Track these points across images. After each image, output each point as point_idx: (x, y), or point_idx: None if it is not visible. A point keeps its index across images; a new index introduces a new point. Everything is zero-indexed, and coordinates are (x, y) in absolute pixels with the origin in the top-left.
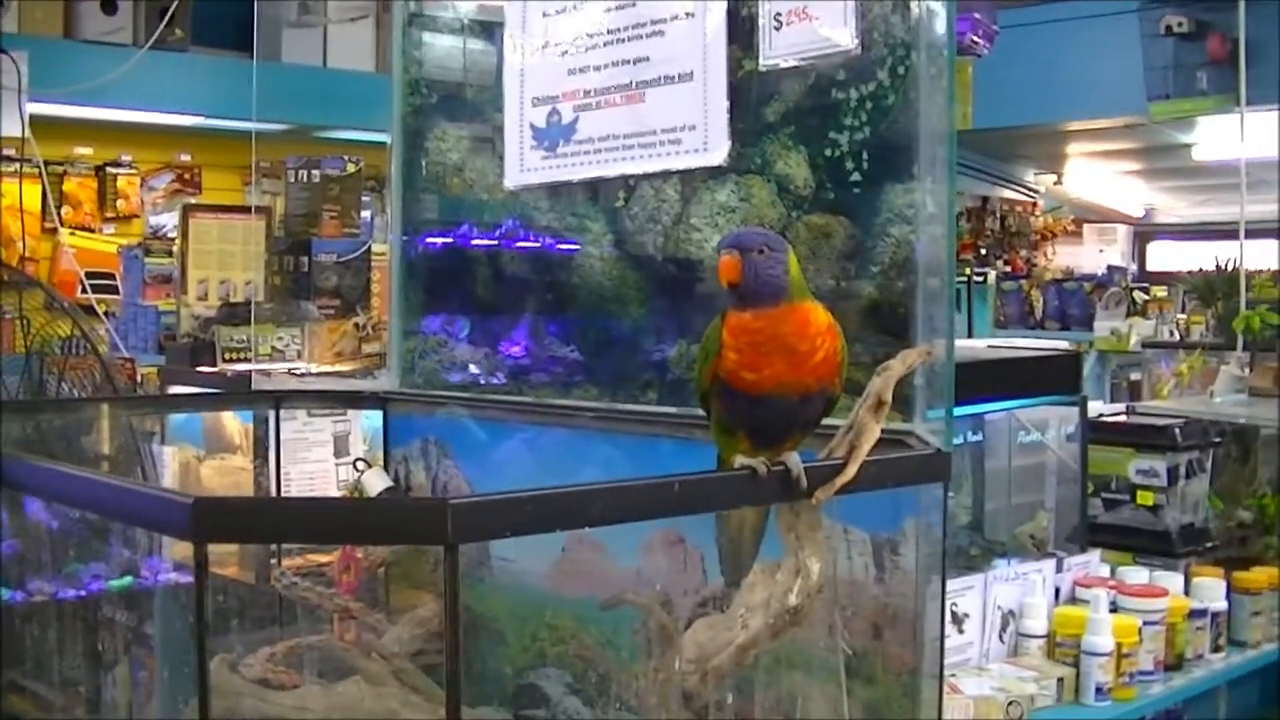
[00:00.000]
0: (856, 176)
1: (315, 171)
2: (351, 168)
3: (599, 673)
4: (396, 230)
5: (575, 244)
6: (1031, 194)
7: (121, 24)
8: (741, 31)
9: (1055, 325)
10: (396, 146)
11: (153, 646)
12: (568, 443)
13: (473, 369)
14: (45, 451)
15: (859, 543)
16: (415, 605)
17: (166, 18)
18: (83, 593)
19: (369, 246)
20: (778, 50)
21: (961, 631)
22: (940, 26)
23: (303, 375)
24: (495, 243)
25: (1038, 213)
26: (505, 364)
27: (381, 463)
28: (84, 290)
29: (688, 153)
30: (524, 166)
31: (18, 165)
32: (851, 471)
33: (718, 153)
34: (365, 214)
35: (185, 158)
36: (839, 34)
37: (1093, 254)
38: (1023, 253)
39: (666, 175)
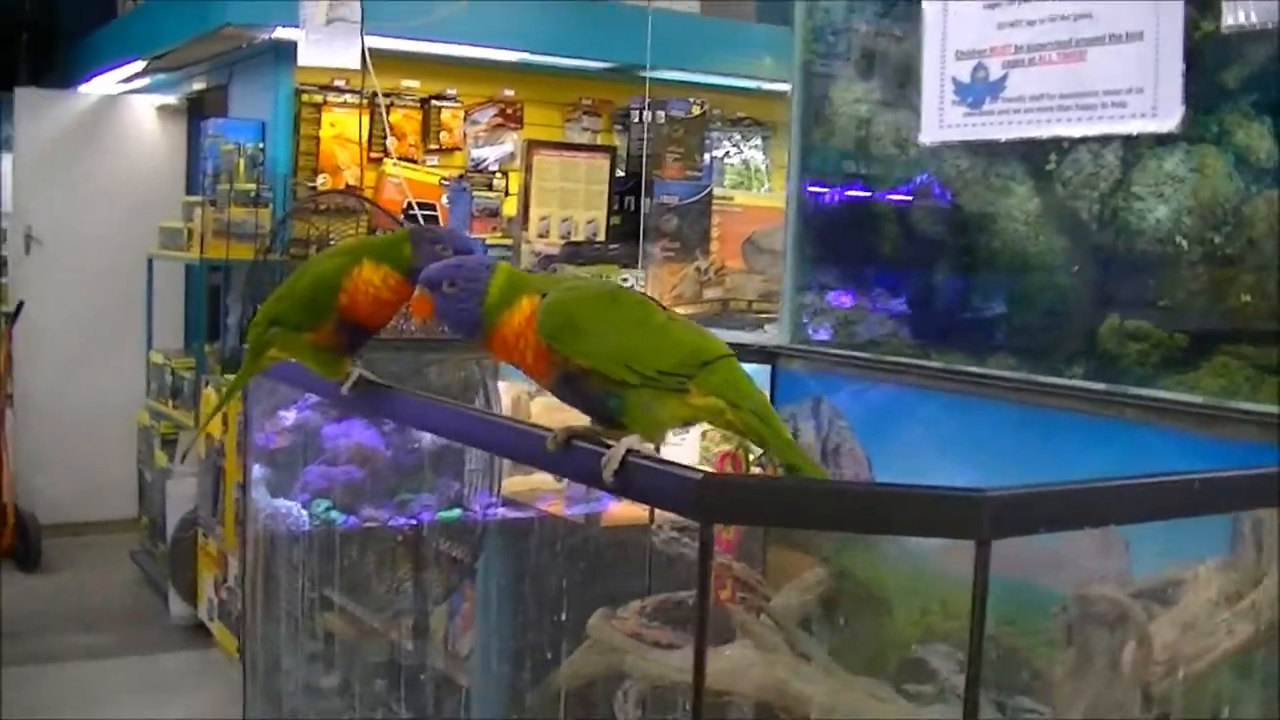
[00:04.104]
0: None
1: (660, 112)
2: (696, 110)
3: (998, 655)
4: (794, 182)
5: (995, 206)
6: None
7: None
8: None
9: None
10: (796, 96)
11: (474, 580)
12: (975, 413)
13: (872, 329)
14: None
15: None
16: (790, 567)
17: None
18: (413, 521)
19: (710, 190)
20: (1243, 12)
21: None
22: None
23: None
24: (904, 199)
25: None
26: (910, 327)
27: None
28: (409, 219)
29: (1134, 117)
30: (944, 122)
31: (351, 96)
32: None
33: (1169, 119)
34: (706, 157)
35: (508, 93)
36: None
37: None
38: None
39: (1106, 140)
